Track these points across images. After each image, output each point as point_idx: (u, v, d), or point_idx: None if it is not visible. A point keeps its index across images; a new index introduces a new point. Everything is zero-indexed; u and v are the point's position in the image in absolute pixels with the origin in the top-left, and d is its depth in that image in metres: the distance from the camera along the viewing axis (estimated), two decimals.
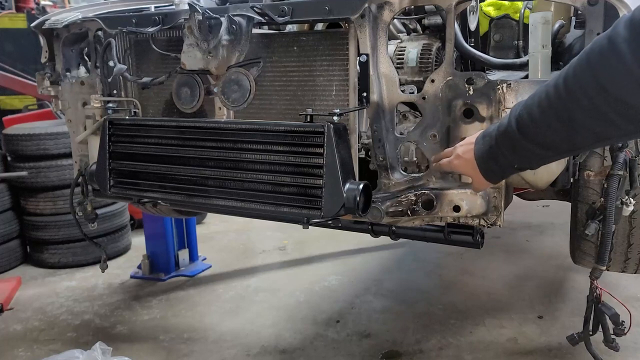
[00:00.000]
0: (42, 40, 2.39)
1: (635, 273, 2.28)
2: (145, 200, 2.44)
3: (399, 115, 1.83)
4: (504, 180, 1.68)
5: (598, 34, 1.56)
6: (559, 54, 2.09)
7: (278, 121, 1.86)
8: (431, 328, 2.85)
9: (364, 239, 3.72)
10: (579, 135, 1.13)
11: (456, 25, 1.77)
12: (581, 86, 1.06)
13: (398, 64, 1.85)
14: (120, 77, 2.17)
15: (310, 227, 2.00)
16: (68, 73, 2.39)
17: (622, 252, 2.19)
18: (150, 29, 1.98)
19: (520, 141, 1.23)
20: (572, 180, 2.06)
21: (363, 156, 1.86)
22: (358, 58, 1.74)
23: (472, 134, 1.47)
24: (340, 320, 2.98)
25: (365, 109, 1.77)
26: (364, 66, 1.72)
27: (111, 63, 2.14)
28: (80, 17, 2.24)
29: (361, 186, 1.66)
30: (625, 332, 1.90)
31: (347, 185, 1.65)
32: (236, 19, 1.81)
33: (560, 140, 1.18)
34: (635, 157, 1.85)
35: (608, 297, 1.94)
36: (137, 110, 2.19)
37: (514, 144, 1.26)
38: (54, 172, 3.80)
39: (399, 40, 1.99)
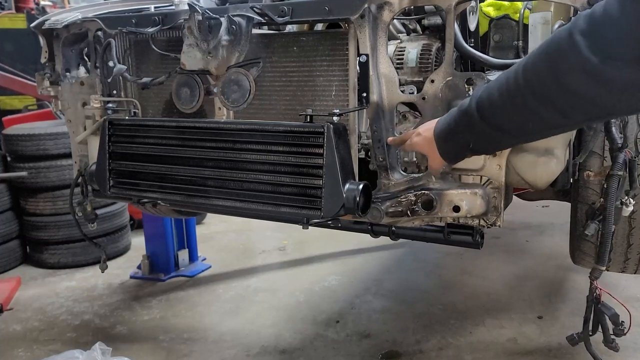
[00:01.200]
0: (41, 41, 2.39)
1: (634, 273, 2.28)
2: (145, 200, 2.44)
3: (399, 115, 1.83)
4: (503, 180, 1.69)
5: None
6: None
7: (278, 121, 1.86)
8: (431, 328, 2.85)
9: (364, 239, 3.72)
10: (531, 121, 1.20)
11: (456, 26, 1.77)
12: (537, 74, 1.12)
13: (398, 64, 1.85)
14: (120, 78, 2.17)
15: (310, 227, 2.01)
16: (68, 73, 2.39)
17: (622, 253, 2.18)
18: (150, 29, 1.98)
19: (478, 122, 1.29)
20: (571, 181, 2.06)
21: (363, 156, 1.86)
22: (358, 58, 1.74)
23: None
24: (340, 320, 2.98)
25: (365, 109, 1.77)
26: (364, 66, 1.73)
27: (111, 63, 2.14)
28: (80, 17, 2.24)
29: (361, 186, 1.66)
30: (625, 332, 1.90)
31: (347, 186, 1.65)
32: (236, 19, 1.81)
33: (513, 125, 1.24)
34: (635, 157, 1.85)
35: (608, 297, 1.94)
36: (136, 111, 2.19)
37: (472, 124, 1.31)
38: (53, 172, 3.80)
39: (399, 41, 1.99)
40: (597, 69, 0.99)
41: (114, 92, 2.22)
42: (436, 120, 1.49)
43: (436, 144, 1.46)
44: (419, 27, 2.08)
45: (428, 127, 1.51)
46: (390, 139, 1.74)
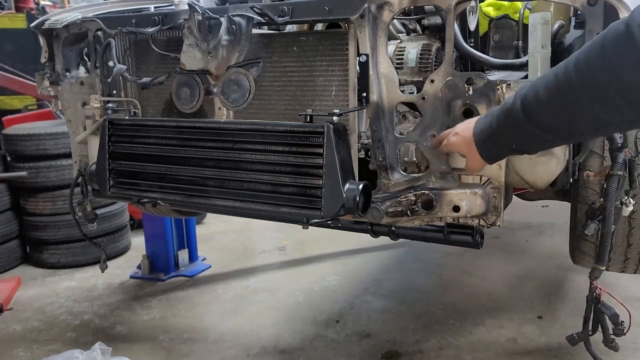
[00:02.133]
0: (41, 41, 2.39)
1: (634, 273, 2.28)
2: (145, 200, 2.44)
3: (399, 115, 1.83)
4: (503, 180, 1.69)
5: (597, 34, 1.56)
6: (559, 54, 2.09)
7: (278, 121, 1.86)
8: (431, 328, 2.85)
9: (364, 239, 3.72)
10: (582, 119, 1.14)
11: (456, 26, 1.77)
12: (592, 69, 1.07)
13: (398, 64, 1.85)
14: (120, 77, 2.17)
15: (309, 227, 2.01)
16: (68, 73, 2.39)
17: (622, 252, 2.18)
18: (150, 29, 1.98)
19: (523, 121, 1.24)
20: (571, 181, 2.06)
21: (363, 156, 1.86)
22: (358, 58, 1.74)
23: None
24: (340, 320, 2.98)
25: (364, 109, 1.77)
26: (364, 66, 1.73)
27: (111, 63, 2.14)
28: (80, 17, 2.24)
29: (361, 186, 1.66)
30: (625, 332, 1.90)
31: (347, 186, 1.65)
32: (236, 19, 1.81)
33: (562, 123, 1.19)
34: (635, 157, 1.85)
35: (607, 297, 1.94)
36: (136, 111, 2.19)
37: (516, 123, 1.26)
38: (53, 172, 3.80)
39: (399, 41, 1.99)
40: None
41: (114, 92, 2.22)
42: (474, 119, 1.45)
43: (476, 144, 1.42)
44: (418, 27, 2.08)
45: (466, 127, 1.46)
46: (434, 146, 1.72)
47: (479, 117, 1.44)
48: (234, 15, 1.81)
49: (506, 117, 1.29)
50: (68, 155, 3.60)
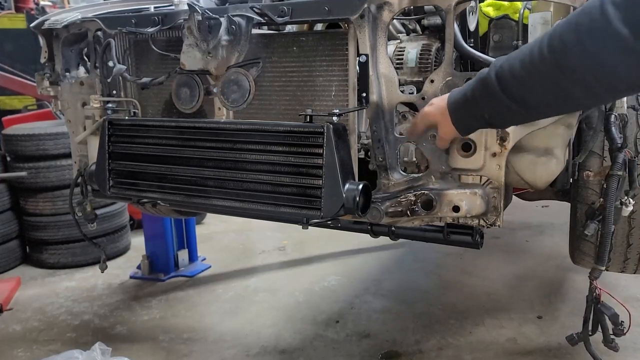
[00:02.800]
0: (41, 41, 2.39)
1: (634, 273, 2.29)
2: (145, 200, 2.44)
3: (399, 115, 1.83)
4: (503, 180, 1.69)
5: None
6: None
7: (277, 121, 1.86)
8: (431, 328, 2.85)
9: (364, 239, 3.73)
10: (552, 94, 1.17)
11: (455, 26, 1.77)
12: (563, 44, 1.09)
13: (397, 64, 1.84)
14: (120, 78, 2.17)
15: (309, 227, 2.01)
16: (67, 73, 2.39)
17: (622, 253, 2.19)
18: (150, 30, 1.98)
19: (496, 92, 1.26)
20: (571, 181, 2.06)
21: (363, 156, 1.86)
22: (357, 58, 1.74)
23: None
24: (340, 320, 2.98)
25: (364, 109, 1.77)
26: (364, 66, 1.73)
27: (110, 63, 2.14)
28: (79, 17, 2.24)
29: (360, 186, 1.66)
30: (625, 332, 1.91)
31: (347, 186, 1.65)
32: (235, 19, 1.81)
33: (534, 98, 1.21)
34: (635, 157, 1.85)
35: (607, 297, 1.94)
36: (136, 111, 2.19)
37: (489, 94, 1.28)
38: (53, 172, 3.80)
39: (399, 41, 1.99)
40: (628, 42, 0.97)
41: (114, 92, 2.22)
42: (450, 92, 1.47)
43: (449, 112, 1.43)
44: (418, 27, 2.08)
45: (441, 97, 1.49)
46: (409, 132, 1.73)
47: (455, 88, 1.46)
48: (233, 16, 1.81)
49: (480, 86, 1.31)
50: (68, 156, 3.61)
